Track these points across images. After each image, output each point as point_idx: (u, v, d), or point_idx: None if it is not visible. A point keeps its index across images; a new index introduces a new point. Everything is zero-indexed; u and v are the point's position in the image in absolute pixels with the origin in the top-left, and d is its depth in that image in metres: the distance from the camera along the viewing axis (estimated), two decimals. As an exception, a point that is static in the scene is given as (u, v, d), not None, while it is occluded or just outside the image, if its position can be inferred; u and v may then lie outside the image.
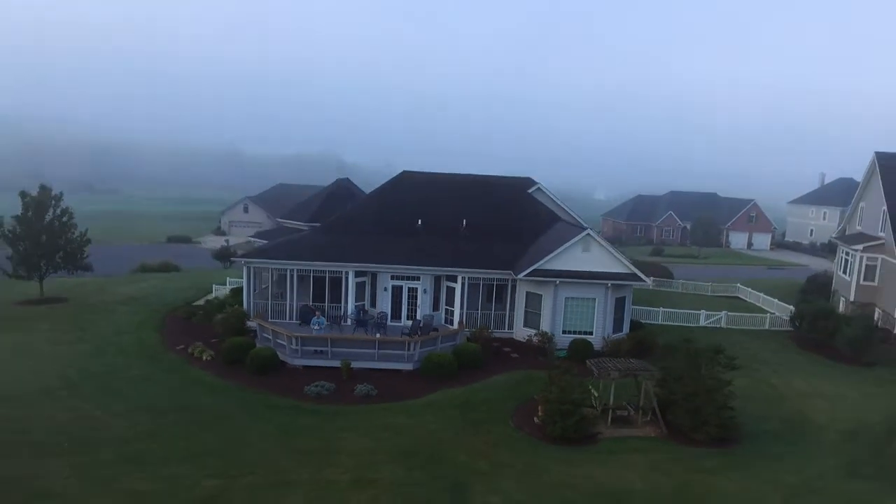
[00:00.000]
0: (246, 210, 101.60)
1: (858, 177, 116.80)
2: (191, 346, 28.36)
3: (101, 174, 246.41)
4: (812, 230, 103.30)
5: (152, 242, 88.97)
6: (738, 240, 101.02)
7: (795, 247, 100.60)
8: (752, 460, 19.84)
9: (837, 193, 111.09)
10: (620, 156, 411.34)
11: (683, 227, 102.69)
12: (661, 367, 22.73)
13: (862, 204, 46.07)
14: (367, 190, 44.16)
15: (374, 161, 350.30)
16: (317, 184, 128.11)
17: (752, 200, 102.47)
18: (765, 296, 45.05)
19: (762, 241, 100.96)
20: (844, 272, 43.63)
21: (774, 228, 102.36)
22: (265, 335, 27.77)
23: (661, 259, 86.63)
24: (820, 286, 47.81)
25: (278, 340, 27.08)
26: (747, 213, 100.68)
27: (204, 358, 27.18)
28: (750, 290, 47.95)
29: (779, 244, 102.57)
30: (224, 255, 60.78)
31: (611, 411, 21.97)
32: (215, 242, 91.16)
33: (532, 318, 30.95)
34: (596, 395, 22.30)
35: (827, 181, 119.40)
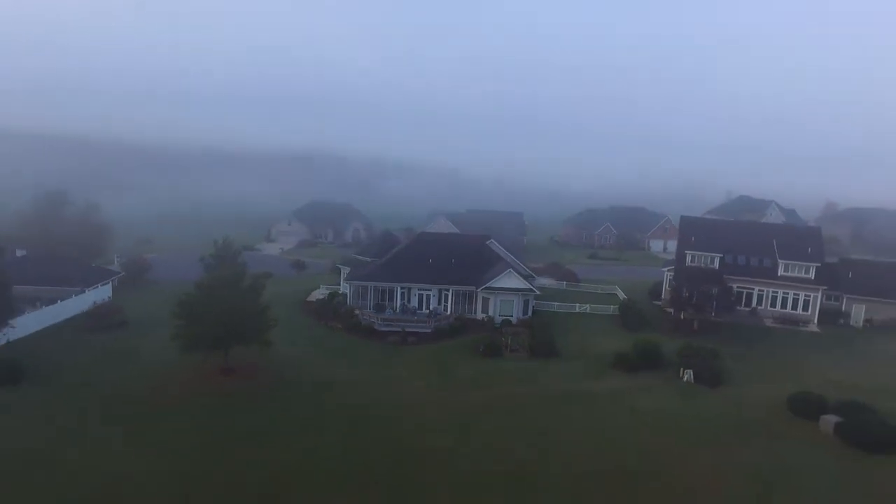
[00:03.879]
0: (289, 223, 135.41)
1: (756, 195, 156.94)
2: (329, 323, 62.60)
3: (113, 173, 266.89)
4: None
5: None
6: (656, 245, 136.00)
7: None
8: (558, 362, 54.40)
9: (738, 207, 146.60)
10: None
11: (616, 235, 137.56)
12: (530, 329, 57.47)
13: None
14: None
15: (369, 153, 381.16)
16: (339, 200, 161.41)
17: (666, 216, 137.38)
18: (623, 294, 79.67)
19: (675, 245, 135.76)
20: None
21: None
22: (365, 317, 62.09)
23: (594, 261, 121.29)
24: (659, 287, 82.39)
25: (371, 319, 61.46)
26: (663, 226, 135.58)
27: (338, 327, 61.42)
28: (619, 289, 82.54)
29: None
30: (299, 266, 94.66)
31: (510, 346, 56.52)
32: (272, 249, 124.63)
33: (485, 308, 65.42)
34: (503, 339, 56.86)
35: (732, 197, 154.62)
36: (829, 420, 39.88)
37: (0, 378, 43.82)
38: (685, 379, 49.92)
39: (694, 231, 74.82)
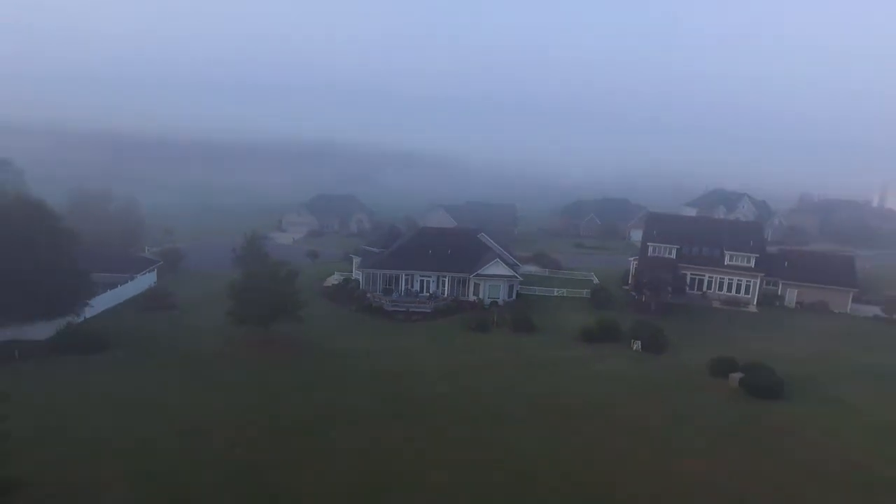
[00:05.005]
0: (299, 214, 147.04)
1: (733, 187, 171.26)
2: (345, 305, 74.61)
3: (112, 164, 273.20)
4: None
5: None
6: (636, 235, 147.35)
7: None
8: (534, 336, 66.53)
9: (713, 199, 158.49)
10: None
11: (600, 225, 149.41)
12: (513, 309, 69.61)
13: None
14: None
15: (372, 144, 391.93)
16: (343, 192, 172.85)
17: (646, 207, 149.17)
18: (598, 279, 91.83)
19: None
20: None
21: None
22: (375, 300, 74.15)
23: (579, 250, 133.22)
24: (627, 273, 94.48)
25: (380, 301, 73.52)
26: (642, 217, 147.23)
27: (353, 308, 73.46)
28: (595, 276, 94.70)
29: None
30: (313, 255, 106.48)
31: (496, 323, 68.62)
32: (284, 239, 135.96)
33: (476, 292, 77.49)
34: (491, 317, 68.96)
35: (709, 190, 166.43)
36: (735, 376, 52.17)
37: (92, 346, 55.97)
38: (634, 348, 62.19)
39: (657, 225, 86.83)
